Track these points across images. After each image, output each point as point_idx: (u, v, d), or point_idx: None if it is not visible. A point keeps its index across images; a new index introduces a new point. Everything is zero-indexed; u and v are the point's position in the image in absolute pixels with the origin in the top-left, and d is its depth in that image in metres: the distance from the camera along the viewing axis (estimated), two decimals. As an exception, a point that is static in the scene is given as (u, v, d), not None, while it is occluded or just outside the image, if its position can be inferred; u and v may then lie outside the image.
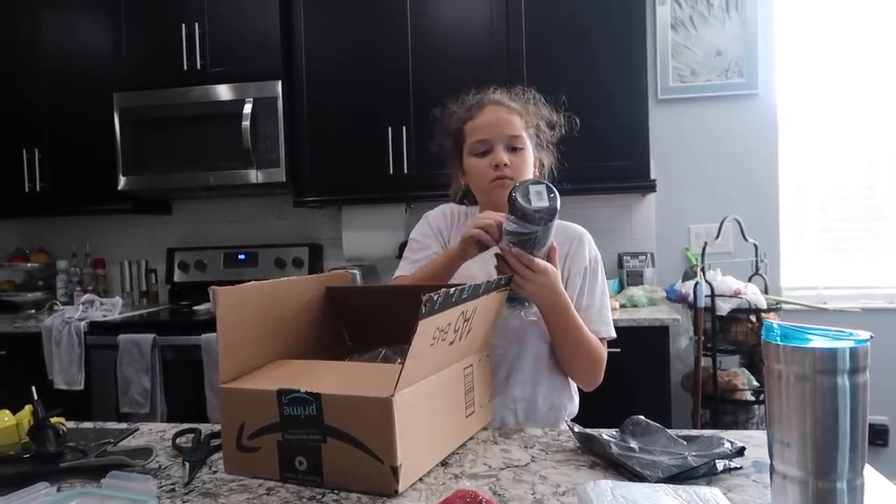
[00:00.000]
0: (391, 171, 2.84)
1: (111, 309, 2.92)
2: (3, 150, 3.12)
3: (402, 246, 2.67)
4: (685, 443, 0.98)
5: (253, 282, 1.05)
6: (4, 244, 3.47)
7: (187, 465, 1.01)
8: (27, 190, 3.10)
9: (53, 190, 3.11)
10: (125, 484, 0.91)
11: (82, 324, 2.73)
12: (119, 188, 3.00)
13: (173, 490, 0.94)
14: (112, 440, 1.11)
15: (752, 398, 2.53)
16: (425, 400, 0.92)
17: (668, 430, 1.02)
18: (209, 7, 2.91)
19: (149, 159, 2.99)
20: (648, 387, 2.41)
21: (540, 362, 1.36)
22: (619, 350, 2.35)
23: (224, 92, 2.90)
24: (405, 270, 1.42)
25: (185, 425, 1.20)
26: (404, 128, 2.82)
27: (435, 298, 0.82)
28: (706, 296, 2.49)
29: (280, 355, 1.10)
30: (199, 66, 2.91)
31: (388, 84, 2.85)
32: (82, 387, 2.70)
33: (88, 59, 3.07)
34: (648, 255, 2.98)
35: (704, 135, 3.03)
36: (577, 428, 1.04)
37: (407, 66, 2.83)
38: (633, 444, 0.97)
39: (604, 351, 1.34)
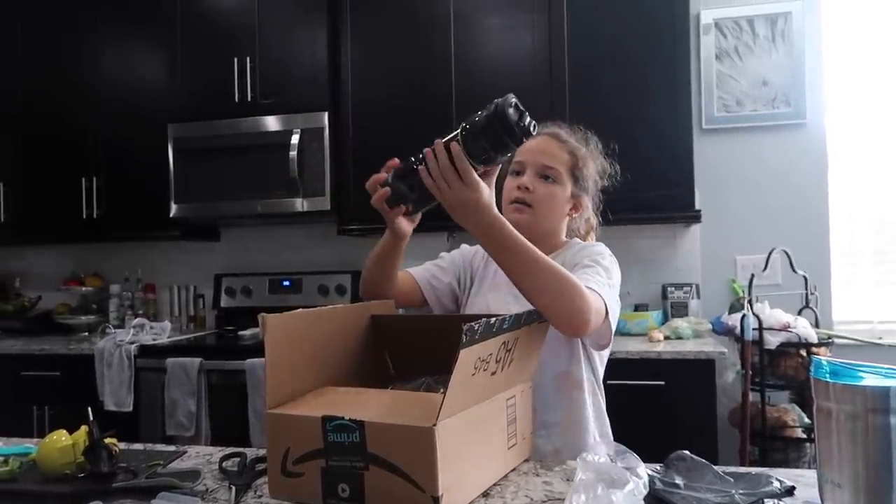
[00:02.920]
0: (433, 201, 2.87)
1: (160, 333, 3.00)
2: (64, 178, 3.27)
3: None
4: (732, 480, 0.96)
5: (300, 309, 1.08)
6: (62, 268, 3.61)
7: (233, 488, 1.03)
8: (84, 216, 3.23)
9: (109, 217, 3.24)
10: (174, 506, 0.94)
11: (133, 347, 2.81)
12: (170, 216, 3.11)
13: (220, 513, 0.96)
14: (161, 462, 1.14)
15: (804, 436, 2.45)
16: (468, 430, 0.92)
17: (715, 467, 1.00)
18: (260, 41, 3.02)
19: (199, 188, 3.09)
20: (694, 421, 2.35)
21: (560, 383, 1.31)
22: (663, 383, 2.35)
23: (272, 123, 2.99)
24: (414, 270, 1.48)
25: (231, 449, 1.23)
26: (447, 157, 2.85)
27: (475, 328, 0.83)
28: (754, 329, 2.43)
29: (325, 382, 1.12)
30: (249, 98, 3.01)
31: (431, 114, 2.89)
32: (131, 408, 2.77)
33: (145, 91, 3.21)
34: (693, 287, 2.93)
35: (751, 164, 2.99)
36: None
37: (450, 97, 2.87)
38: (678, 480, 0.95)
39: (582, 287, 1.10)
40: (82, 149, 3.27)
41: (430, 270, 1.49)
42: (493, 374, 0.97)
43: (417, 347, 1.22)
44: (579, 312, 1.09)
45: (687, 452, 1.04)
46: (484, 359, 0.90)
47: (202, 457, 1.23)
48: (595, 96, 2.75)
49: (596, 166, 1.39)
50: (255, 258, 3.45)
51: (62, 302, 3.51)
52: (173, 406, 2.70)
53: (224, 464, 1.14)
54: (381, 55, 2.99)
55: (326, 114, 2.95)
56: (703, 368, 2.38)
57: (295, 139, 2.92)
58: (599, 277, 1.20)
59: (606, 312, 1.17)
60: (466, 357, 0.84)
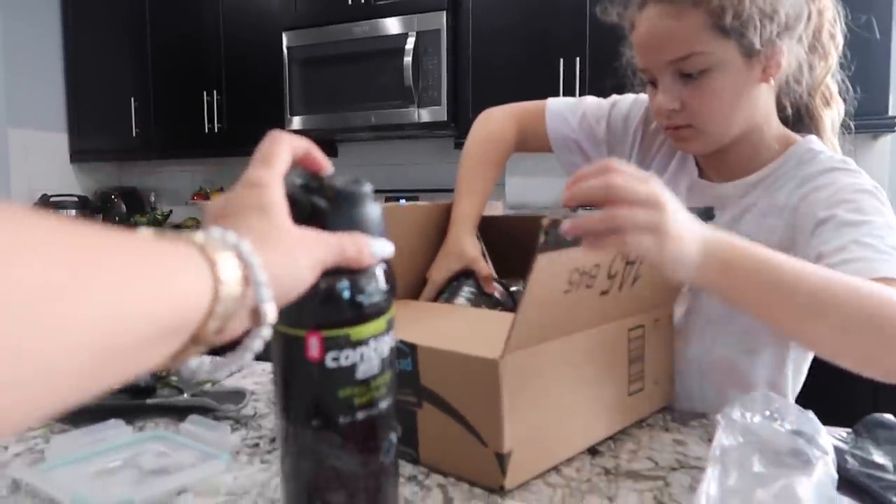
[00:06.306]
0: (561, 109, 2.55)
1: (277, 248, 2.97)
2: (187, 93, 3.27)
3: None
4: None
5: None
6: (191, 184, 3.68)
7: (280, 415, 0.86)
8: (206, 131, 3.23)
9: (230, 131, 3.22)
10: (201, 432, 0.78)
11: (249, 261, 2.79)
12: (288, 129, 3.01)
13: (257, 445, 0.78)
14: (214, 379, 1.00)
15: None
16: (558, 367, 0.65)
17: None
18: (375, -65, 2.78)
19: (315, 99, 2.96)
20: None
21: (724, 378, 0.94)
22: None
23: (388, 26, 2.77)
24: (550, 107, 1.15)
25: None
26: (577, 59, 2.49)
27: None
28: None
29: (409, 293, 0.91)
30: (364, 0, 2.80)
31: (560, 12, 2.53)
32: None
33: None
34: (878, 213, 2.42)
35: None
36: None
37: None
38: (880, 459, 0.65)
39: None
40: (203, 63, 3.25)
41: (573, 136, 1.12)
42: (605, 293, 0.69)
43: (527, 253, 0.97)
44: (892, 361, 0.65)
45: (890, 417, 0.72)
46: (585, 271, 0.63)
47: (267, 374, 1.08)
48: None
49: None
50: (373, 174, 3.31)
51: (190, 216, 3.59)
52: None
53: (280, 385, 0.97)
54: (505, -57, 2.64)
55: (444, 13, 2.67)
56: None
57: (410, 44, 2.69)
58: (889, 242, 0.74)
59: None
60: (549, 265, 0.56)
